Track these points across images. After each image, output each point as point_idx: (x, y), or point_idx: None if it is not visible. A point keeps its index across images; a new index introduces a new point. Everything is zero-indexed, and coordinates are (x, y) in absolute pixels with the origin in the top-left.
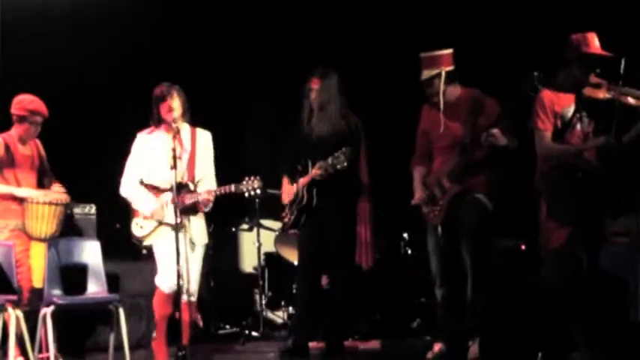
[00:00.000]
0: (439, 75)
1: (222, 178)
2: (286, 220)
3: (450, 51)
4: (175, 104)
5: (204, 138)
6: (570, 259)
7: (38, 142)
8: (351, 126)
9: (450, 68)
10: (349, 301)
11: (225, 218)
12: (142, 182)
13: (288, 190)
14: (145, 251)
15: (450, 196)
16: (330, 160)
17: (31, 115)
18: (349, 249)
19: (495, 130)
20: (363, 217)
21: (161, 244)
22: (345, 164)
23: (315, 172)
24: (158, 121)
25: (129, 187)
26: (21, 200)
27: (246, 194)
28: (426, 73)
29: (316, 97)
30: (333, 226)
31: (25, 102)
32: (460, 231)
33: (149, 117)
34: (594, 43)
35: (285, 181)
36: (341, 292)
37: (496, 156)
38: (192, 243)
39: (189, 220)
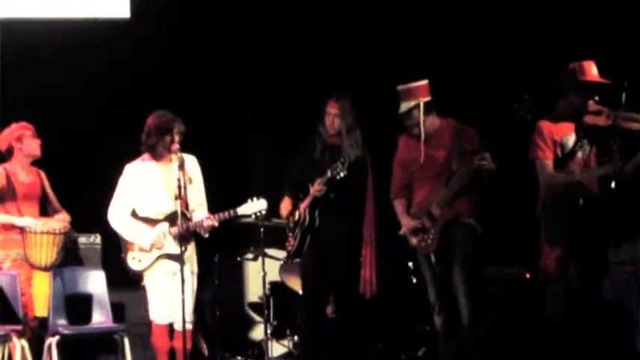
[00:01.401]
0: (417, 106)
1: (224, 203)
2: (290, 247)
3: (425, 82)
4: (179, 136)
5: (192, 163)
6: (563, 281)
7: (41, 172)
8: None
9: (428, 99)
10: (355, 329)
11: (230, 247)
12: (134, 214)
13: (286, 204)
14: (143, 283)
15: (442, 223)
16: (328, 173)
17: (22, 131)
18: (355, 275)
19: (487, 154)
20: (368, 241)
21: (157, 275)
22: (345, 173)
23: (314, 188)
24: (152, 150)
25: (121, 220)
26: (22, 230)
27: (253, 216)
28: (405, 105)
29: (337, 122)
30: (338, 250)
31: (6, 131)
32: (453, 257)
33: (143, 145)
34: (592, 70)
35: (287, 199)
36: (346, 321)
37: (480, 181)
38: (193, 270)
39: (190, 249)
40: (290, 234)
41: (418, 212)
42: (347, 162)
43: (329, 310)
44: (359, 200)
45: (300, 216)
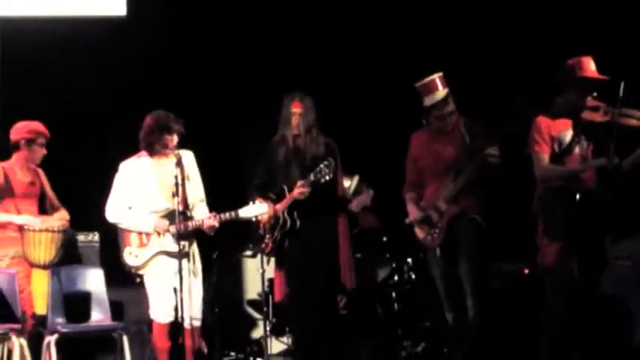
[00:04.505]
0: (450, 94)
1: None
2: (267, 249)
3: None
4: (177, 135)
5: (189, 158)
6: (564, 273)
7: (40, 170)
8: (327, 146)
9: None
10: (356, 326)
11: (229, 245)
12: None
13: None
14: (138, 279)
15: (448, 218)
16: (312, 176)
17: (37, 136)
18: (340, 270)
19: (496, 149)
20: (342, 234)
21: (156, 273)
22: (330, 177)
23: (297, 191)
24: (150, 147)
25: (120, 212)
26: (20, 228)
27: (254, 219)
28: (440, 94)
29: (301, 121)
30: (321, 249)
31: (24, 126)
32: (459, 254)
33: (141, 142)
34: (590, 66)
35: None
36: (337, 317)
37: (485, 176)
38: (196, 268)
39: (189, 247)
40: (268, 235)
41: (426, 206)
42: (332, 165)
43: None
44: (333, 197)
45: (278, 218)
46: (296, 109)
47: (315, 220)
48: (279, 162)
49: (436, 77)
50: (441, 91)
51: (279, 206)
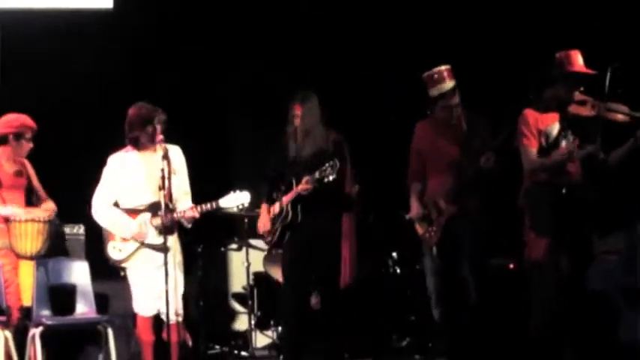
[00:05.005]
0: (457, 87)
1: (207, 193)
2: (269, 239)
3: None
4: (161, 125)
5: (176, 153)
6: (551, 268)
7: (26, 161)
8: (334, 143)
9: None
10: (339, 320)
11: (214, 238)
12: (116, 205)
13: (264, 221)
14: (123, 273)
15: (446, 217)
16: (317, 174)
17: (26, 130)
18: (338, 267)
19: (491, 153)
20: (347, 232)
21: (139, 266)
22: (333, 177)
23: (302, 187)
24: (136, 142)
25: (104, 212)
26: (6, 220)
27: (235, 209)
28: (448, 84)
29: (301, 123)
30: (320, 244)
31: (13, 120)
32: (460, 252)
33: (126, 137)
34: (578, 61)
35: (264, 208)
36: (333, 313)
37: (483, 176)
38: (178, 261)
39: (172, 240)
40: (270, 226)
41: (427, 202)
42: (336, 166)
43: (314, 301)
44: (339, 195)
45: (281, 209)
46: (297, 111)
47: (317, 217)
48: (287, 158)
49: (444, 69)
50: (449, 83)
51: (284, 198)
